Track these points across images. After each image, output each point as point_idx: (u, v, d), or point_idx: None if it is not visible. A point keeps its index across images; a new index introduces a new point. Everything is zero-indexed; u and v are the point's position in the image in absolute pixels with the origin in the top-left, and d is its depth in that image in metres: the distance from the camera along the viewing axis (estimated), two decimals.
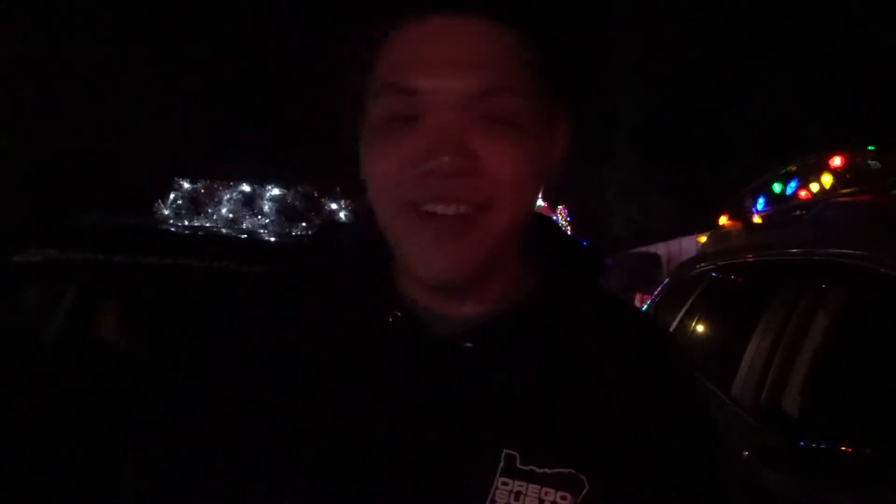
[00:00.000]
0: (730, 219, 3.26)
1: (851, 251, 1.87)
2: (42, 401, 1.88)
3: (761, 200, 2.91)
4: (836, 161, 2.20)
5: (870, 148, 2.19)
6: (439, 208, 0.60)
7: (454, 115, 0.59)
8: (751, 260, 2.70)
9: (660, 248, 23.47)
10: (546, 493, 0.61)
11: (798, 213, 2.55)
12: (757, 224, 2.89)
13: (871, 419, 1.58)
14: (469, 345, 0.66)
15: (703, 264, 3.24)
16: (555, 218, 19.03)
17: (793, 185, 2.54)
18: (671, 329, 3.23)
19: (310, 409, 0.65)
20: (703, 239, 3.52)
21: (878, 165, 2.14)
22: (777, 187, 2.70)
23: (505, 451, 0.62)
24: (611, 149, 26.79)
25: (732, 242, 3.02)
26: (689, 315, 3.12)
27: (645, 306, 3.94)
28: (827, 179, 2.32)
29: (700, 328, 2.99)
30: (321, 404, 0.65)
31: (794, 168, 2.57)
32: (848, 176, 2.25)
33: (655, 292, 3.87)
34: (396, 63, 0.61)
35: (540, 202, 19.13)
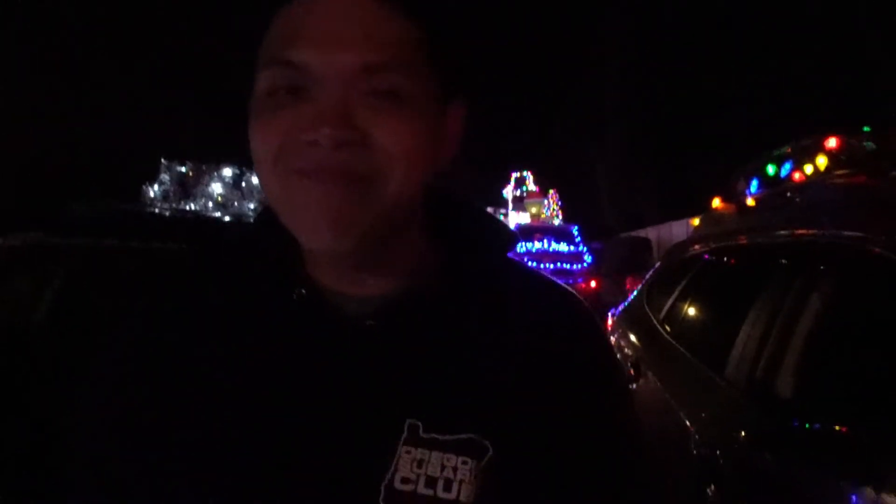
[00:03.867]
0: (723, 201, 3.26)
1: (845, 232, 1.87)
2: (28, 384, 1.86)
3: (755, 183, 2.90)
4: (832, 143, 2.19)
5: (865, 129, 2.18)
6: (325, 179, 0.61)
7: (339, 89, 0.60)
8: (744, 242, 2.70)
9: (650, 233, 23.57)
10: (448, 459, 0.63)
11: (792, 195, 2.54)
12: (750, 206, 2.89)
13: (864, 399, 1.58)
14: (371, 322, 0.68)
15: (695, 247, 3.24)
16: (545, 202, 19.05)
17: (787, 167, 2.53)
18: (663, 312, 3.23)
19: (214, 386, 0.66)
20: (696, 222, 3.52)
21: (874, 147, 2.13)
22: (771, 169, 2.69)
23: (408, 421, 0.64)
24: (603, 134, 26.76)
25: (725, 225, 3.01)
26: (682, 298, 3.11)
27: (636, 290, 3.94)
28: (822, 161, 2.31)
29: (693, 311, 2.99)
30: (226, 381, 0.67)
31: (788, 150, 2.55)
32: (843, 158, 2.24)
33: (647, 275, 3.87)
34: (282, 36, 0.62)
35: (532, 186, 19.21)
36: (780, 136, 2.84)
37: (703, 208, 3.53)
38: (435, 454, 0.63)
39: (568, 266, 13.16)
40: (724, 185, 3.38)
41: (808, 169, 2.46)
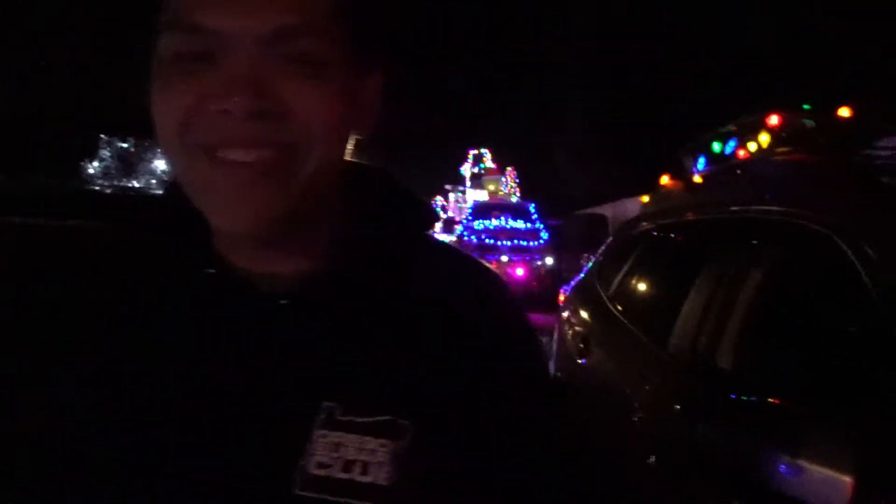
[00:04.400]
0: (671, 178, 3.29)
1: (783, 208, 1.90)
2: None
3: (702, 160, 2.94)
4: (773, 120, 2.22)
5: (805, 107, 2.21)
6: (238, 155, 0.57)
7: (251, 55, 0.56)
8: (690, 219, 2.74)
9: (607, 210, 23.89)
10: (365, 442, 0.61)
11: (736, 171, 2.58)
12: (697, 183, 2.92)
13: (799, 372, 1.62)
14: (284, 301, 0.65)
15: (643, 224, 3.28)
16: (503, 179, 19.08)
17: (731, 144, 2.56)
18: (613, 288, 3.27)
19: (122, 364, 0.63)
20: (646, 199, 3.55)
21: (813, 124, 2.16)
22: (716, 146, 2.72)
23: (324, 403, 0.62)
24: (561, 112, 26.95)
25: (672, 202, 3.05)
26: (630, 274, 3.15)
27: (588, 265, 3.98)
28: (764, 138, 2.34)
29: (640, 287, 3.03)
30: (129, 363, 0.63)
31: (733, 128, 2.58)
32: (784, 135, 2.27)
33: (598, 252, 3.90)
34: None
35: (489, 163, 19.18)
36: (733, 113, 2.86)
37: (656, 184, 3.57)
38: (351, 437, 0.61)
39: (525, 243, 13.27)
40: (672, 163, 3.42)
41: (752, 146, 2.50)
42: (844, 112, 2.07)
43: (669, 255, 2.92)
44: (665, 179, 3.32)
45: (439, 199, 22.19)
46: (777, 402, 1.46)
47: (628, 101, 21.05)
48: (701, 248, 2.51)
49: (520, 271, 12.73)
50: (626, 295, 3.10)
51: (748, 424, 1.52)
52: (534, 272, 12.79)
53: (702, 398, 1.81)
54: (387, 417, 0.62)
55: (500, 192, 18.19)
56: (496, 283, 0.77)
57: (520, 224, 13.82)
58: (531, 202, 15.08)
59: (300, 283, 0.66)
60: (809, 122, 2.18)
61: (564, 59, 24.01)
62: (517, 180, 19.30)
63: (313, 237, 0.67)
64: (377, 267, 0.69)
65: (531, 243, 13.31)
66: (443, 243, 0.80)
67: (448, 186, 21.36)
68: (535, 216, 14.17)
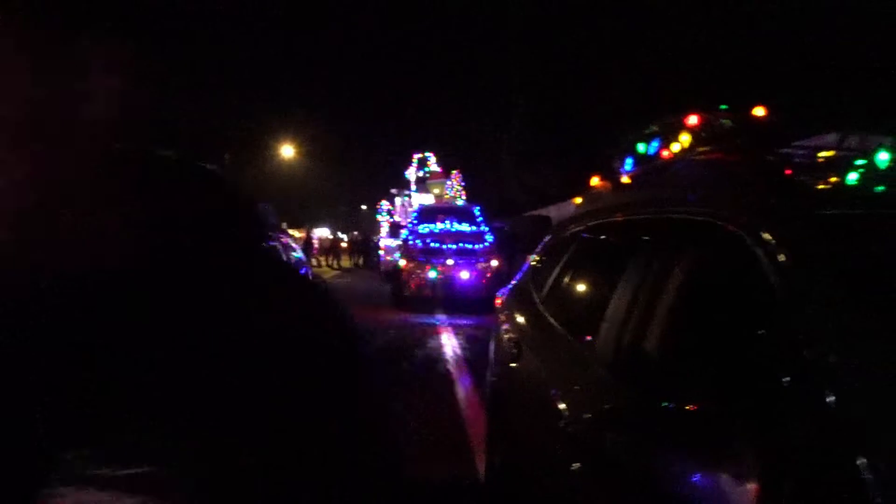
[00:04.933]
0: (601, 179, 3.29)
1: (700, 209, 1.89)
2: None
3: (629, 160, 2.94)
4: (692, 120, 2.22)
5: (722, 107, 2.22)
6: None
7: None
8: (617, 220, 2.73)
9: (551, 211, 24.11)
10: None
11: (659, 172, 2.58)
12: (624, 184, 2.92)
13: (718, 377, 1.60)
14: None
15: (574, 226, 3.26)
16: (449, 182, 19.00)
17: (655, 144, 2.56)
18: (545, 291, 3.24)
19: None
20: (578, 201, 3.54)
21: (731, 124, 2.17)
22: (641, 147, 2.72)
23: None
24: (506, 114, 27.11)
25: (602, 203, 3.04)
26: (561, 276, 3.13)
27: (522, 269, 3.96)
28: (685, 138, 2.34)
29: (571, 289, 3.01)
30: None
31: (656, 128, 2.59)
32: (704, 135, 2.28)
33: (533, 253, 3.88)
34: None
35: (434, 167, 19.04)
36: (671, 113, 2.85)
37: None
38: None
39: (470, 246, 13.26)
40: (603, 163, 3.42)
41: (675, 146, 2.50)
42: (759, 112, 2.08)
43: (598, 257, 2.90)
44: (595, 180, 3.31)
45: (385, 204, 22.01)
46: (694, 408, 1.43)
47: (570, 102, 21.31)
48: (627, 249, 2.50)
49: (466, 274, 12.72)
50: (557, 297, 3.07)
51: (664, 432, 1.49)
52: (480, 274, 12.80)
53: (621, 404, 1.78)
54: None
55: (446, 196, 18.15)
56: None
57: (465, 227, 13.81)
58: (477, 205, 15.10)
59: None
60: (727, 122, 2.19)
61: (505, 61, 24.16)
62: (463, 183, 19.29)
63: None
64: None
65: (477, 246, 13.31)
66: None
67: (394, 190, 21.20)
68: (480, 219, 14.19)
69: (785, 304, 1.30)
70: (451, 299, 12.58)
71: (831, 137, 2.13)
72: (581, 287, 2.95)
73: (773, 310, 1.34)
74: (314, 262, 26.41)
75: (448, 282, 12.71)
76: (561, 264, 3.17)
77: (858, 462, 1.01)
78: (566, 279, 3.07)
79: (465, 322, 11.10)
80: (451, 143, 27.01)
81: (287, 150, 31.81)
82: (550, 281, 3.22)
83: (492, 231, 14.00)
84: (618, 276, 2.36)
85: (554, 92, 21.94)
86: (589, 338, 2.38)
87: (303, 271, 4.85)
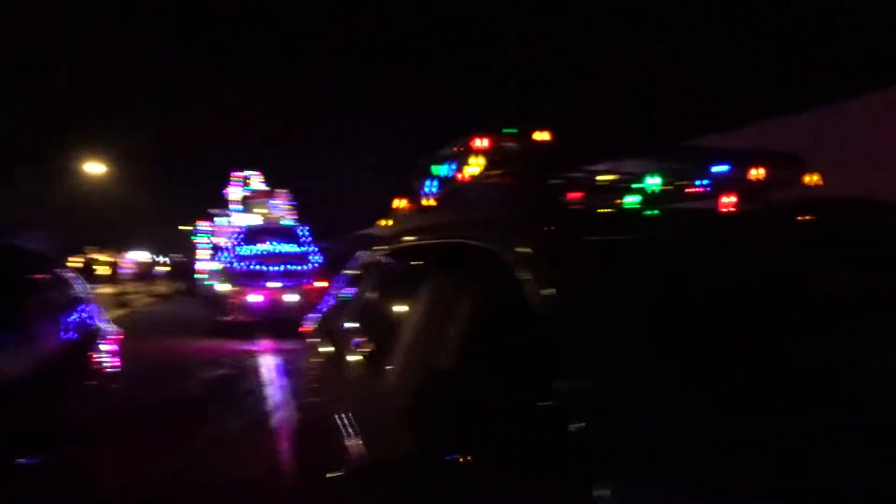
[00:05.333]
0: (408, 201, 3.21)
1: (481, 235, 1.84)
2: None
3: (430, 182, 2.87)
4: (481, 143, 2.18)
5: (509, 131, 2.21)
6: None
7: None
8: (415, 243, 2.64)
9: (377, 230, 23.95)
10: None
11: (452, 196, 2.54)
12: (424, 206, 2.85)
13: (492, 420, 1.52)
14: None
15: (377, 249, 3.14)
16: (272, 203, 18.32)
17: (451, 167, 2.51)
18: (349, 318, 3.09)
19: None
20: (383, 223, 3.44)
21: (518, 148, 2.16)
22: (437, 169, 2.66)
23: None
24: (338, 133, 26.91)
25: (403, 226, 2.95)
26: (364, 302, 2.99)
27: (330, 294, 3.78)
28: (478, 161, 2.30)
29: (372, 316, 2.88)
30: None
31: (451, 150, 2.53)
32: (495, 158, 2.25)
33: (340, 275, 3.72)
34: None
35: (259, 185, 18.23)
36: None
37: None
38: None
39: (296, 267, 12.83)
40: (406, 185, 3.35)
41: (469, 169, 2.47)
42: (542, 136, 2.08)
43: (397, 283, 2.80)
44: (399, 202, 3.23)
45: (205, 224, 20.73)
46: (467, 460, 1.33)
47: (398, 122, 21.58)
48: (422, 275, 2.41)
49: (291, 297, 12.26)
50: (360, 325, 2.93)
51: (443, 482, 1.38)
52: (306, 297, 12.38)
53: (407, 450, 1.65)
54: None
55: (271, 216, 17.47)
56: None
57: (291, 248, 13.34)
58: (304, 225, 14.66)
59: None
60: (513, 146, 2.18)
61: (336, 78, 24.01)
62: (292, 203, 18.68)
63: None
64: None
65: (303, 267, 12.90)
66: None
67: (215, 211, 20.02)
68: (307, 239, 13.78)
69: (544, 332, 1.25)
70: (276, 324, 12.03)
71: (608, 163, 2.19)
72: (380, 314, 2.82)
73: (536, 338, 1.29)
74: (131, 288, 24.24)
75: (273, 306, 12.16)
76: (364, 290, 3.04)
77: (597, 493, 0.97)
78: (368, 306, 2.94)
79: (291, 347, 10.65)
80: (281, 160, 26.28)
81: (97, 167, 29.06)
82: (354, 307, 3.07)
83: (319, 251, 13.65)
84: (411, 304, 2.26)
85: (382, 109, 22.11)
86: (387, 369, 2.26)
87: (81, 312, 4.29)
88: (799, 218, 1.99)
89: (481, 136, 2.20)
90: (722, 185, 2.30)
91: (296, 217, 17.87)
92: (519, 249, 1.50)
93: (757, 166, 2.29)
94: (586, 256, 1.41)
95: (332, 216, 26.20)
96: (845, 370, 1.50)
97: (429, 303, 2.10)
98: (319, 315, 3.83)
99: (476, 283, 1.84)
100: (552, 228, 1.55)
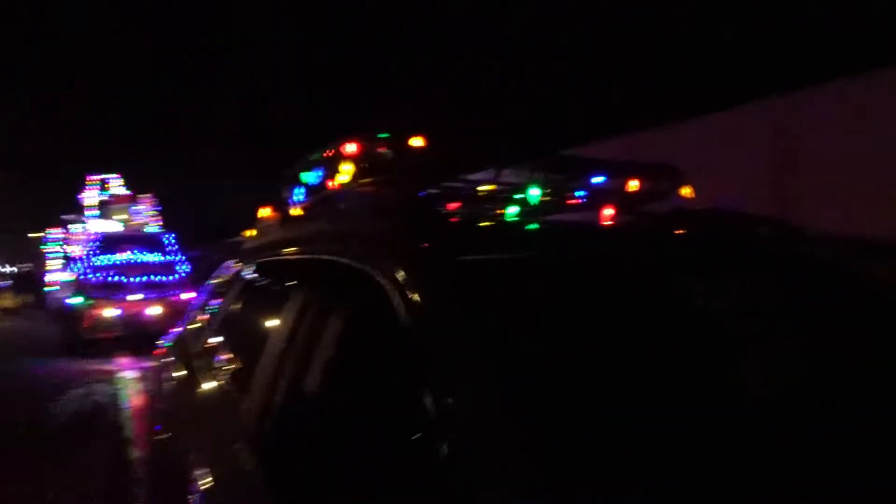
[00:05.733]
0: (272, 210, 2.95)
1: (351, 252, 1.65)
2: None
3: (298, 190, 2.64)
4: (351, 148, 1.99)
5: (381, 136, 2.03)
6: None
7: None
8: (282, 258, 2.40)
9: None
10: None
11: (321, 206, 2.34)
12: (292, 217, 2.62)
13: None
14: None
15: (241, 262, 2.86)
16: (134, 208, 17.12)
17: (319, 174, 2.30)
18: (207, 341, 2.78)
19: None
20: (248, 234, 3.16)
21: (392, 154, 1.99)
22: (307, 176, 2.44)
23: None
24: (209, 132, 25.49)
25: (269, 237, 2.70)
26: (225, 322, 2.71)
27: (189, 311, 3.43)
28: (348, 168, 2.11)
29: (232, 341, 2.59)
30: None
31: (320, 156, 2.32)
32: (366, 165, 2.07)
33: (200, 292, 3.38)
34: None
35: (119, 190, 16.97)
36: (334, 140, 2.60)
37: None
38: None
39: (160, 278, 11.97)
40: (274, 192, 3.09)
41: (339, 176, 2.27)
42: (417, 142, 1.93)
43: (262, 300, 2.54)
44: (264, 211, 2.96)
45: (56, 232, 18.97)
46: None
47: (272, 125, 20.88)
48: (288, 292, 2.18)
49: (154, 310, 11.40)
50: (220, 350, 2.64)
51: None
52: (172, 309, 11.57)
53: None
54: None
55: (133, 222, 16.27)
56: None
57: (155, 257, 12.44)
58: (170, 232, 13.73)
59: None
60: (386, 153, 2.01)
61: (200, 80, 22.86)
62: (157, 208, 17.49)
63: None
64: None
65: (169, 278, 12.05)
66: None
67: (69, 217, 18.32)
68: (173, 247, 12.91)
69: (415, 358, 1.10)
70: (139, 340, 11.13)
71: (487, 171, 2.07)
72: (243, 335, 2.55)
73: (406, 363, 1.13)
74: None
75: (134, 320, 11.24)
76: (225, 308, 2.75)
77: None
78: (230, 325, 2.65)
79: (153, 366, 9.86)
80: (146, 162, 24.65)
81: None
82: (214, 328, 2.77)
83: (188, 260, 12.83)
84: (277, 325, 2.03)
85: (254, 112, 21.29)
86: (247, 401, 2.01)
87: None
88: (676, 231, 1.96)
89: (351, 141, 2.01)
90: (600, 196, 2.25)
91: (161, 223, 16.77)
92: (391, 269, 1.33)
93: (634, 177, 2.26)
94: (462, 277, 1.26)
95: (203, 222, 24.85)
96: (723, 377, 1.47)
97: (295, 324, 1.88)
98: (176, 334, 3.48)
99: (345, 304, 1.64)
100: (426, 245, 1.39)
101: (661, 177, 2.25)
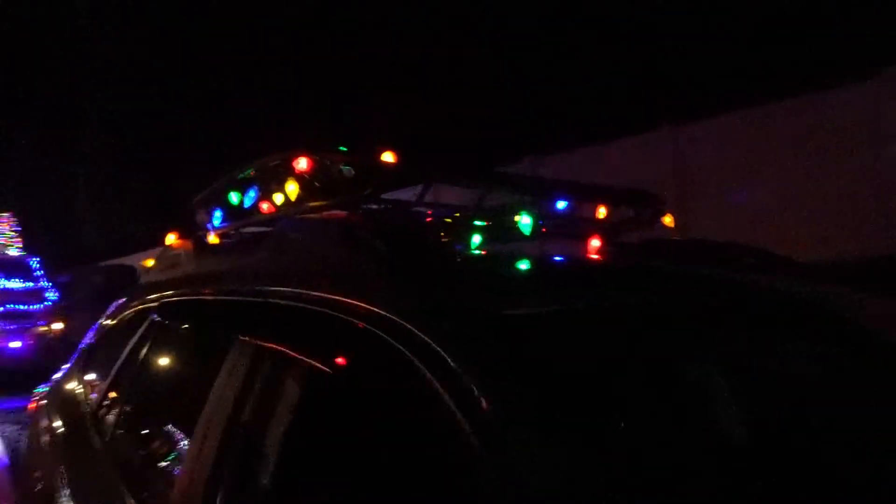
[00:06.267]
0: (179, 237, 2.48)
1: (320, 295, 1.28)
2: None
3: (218, 213, 2.21)
4: (301, 164, 1.61)
5: (341, 149, 1.67)
6: None
7: None
8: (202, 297, 1.96)
9: (135, 261, 21.63)
10: None
11: (257, 233, 1.93)
12: (212, 245, 2.18)
13: None
14: None
15: (141, 299, 2.36)
16: None
17: (252, 194, 1.89)
18: (100, 397, 2.26)
19: None
20: (150, 263, 2.65)
21: (353, 172, 1.63)
22: (234, 197, 2.02)
23: None
24: (78, 146, 23.30)
25: (181, 270, 2.23)
26: (124, 375, 2.20)
27: (72, 359, 2.85)
28: (292, 188, 1.73)
29: (136, 402, 2.09)
30: None
31: (252, 172, 1.92)
32: (317, 184, 1.69)
33: (86, 338, 2.82)
34: None
35: None
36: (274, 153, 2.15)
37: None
38: None
39: (24, 307, 10.68)
40: (185, 214, 2.62)
41: (278, 197, 1.87)
42: (388, 157, 1.58)
43: (175, 352, 2.07)
44: (172, 238, 2.49)
45: None
46: None
47: (156, 141, 19.56)
48: (216, 344, 1.76)
49: (17, 343, 10.12)
50: (117, 412, 2.12)
51: None
52: (38, 342, 10.33)
53: None
54: None
55: None
56: None
57: (16, 283, 11.08)
58: (34, 256, 12.32)
59: None
60: (347, 170, 1.64)
61: (80, 89, 21.10)
62: (16, 229, 15.72)
63: None
64: None
65: (33, 306, 10.77)
66: None
67: None
68: (38, 272, 11.57)
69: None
70: None
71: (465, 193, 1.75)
72: (150, 397, 2.07)
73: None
74: None
75: None
76: (123, 357, 2.24)
77: None
78: (130, 381, 2.15)
79: (15, 406, 8.72)
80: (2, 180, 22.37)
81: None
82: (108, 381, 2.26)
83: (55, 287, 11.54)
84: (202, 383, 1.60)
85: (135, 119, 19.83)
86: (157, 480, 1.57)
87: None
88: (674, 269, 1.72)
89: (301, 154, 1.62)
90: (575, 224, 1.99)
91: (21, 245, 15.10)
92: (401, 324, 0.98)
93: (614, 203, 2.02)
94: (516, 340, 0.93)
95: (69, 243, 22.73)
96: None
97: (234, 385, 1.47)
98: (54, 384, 2.89)
99: (314, 363, 1.26)
100: (441, 293, 1.05)
101: (646, 204, 2.03)
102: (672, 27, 9.12)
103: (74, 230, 23.80)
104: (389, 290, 1.11)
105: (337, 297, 1.25)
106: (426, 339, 0.94)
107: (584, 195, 1.95)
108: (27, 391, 9.68)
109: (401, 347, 0.94)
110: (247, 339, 1.54)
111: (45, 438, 2.54)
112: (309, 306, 1.27)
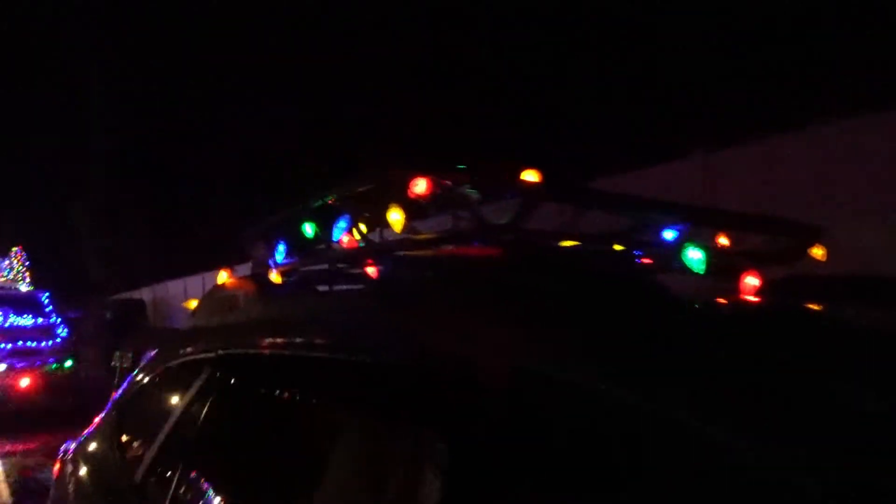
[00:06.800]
0: (230, 274, 2.16)
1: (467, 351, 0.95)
2: None
3: (281, 247, 1.89)
4: (420, 187, 1.29)
5: (461, 167, 1.35)
6: None
7: None
8: (270, 350, 1.62)
9: (145, 294, 21.39)
10: None
11: (346, 271, 1.61)
12: (278, 285, 1.85)
13: None
14: None
15: (192, 348, 2.02)
16: (6, 262, 15.15)
17: (343, 224, 1.56)
18: (147, 461, 1.92)
19: None
20: (192, 305, 2.32)
21: (477, 195, 1.31)
22: (310, 229, 1.70)
23: None
24: (86, 180, 23.14)
25: (243, 315, 1.90)
26: (187, 436, 1.86)
27: (104, 413, 2.51)
28: (396, 217, 1.40)
29: (212, 464, 1.75)
30: None
31: (337, 196, 1.59)
32: (431, 212, 1.37)
33: (121, 391, 2.47)
34: None
35: None
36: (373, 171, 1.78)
37: (205, 264, 2.36)
38: None
39: (34, 344, 10.36)
40: (237, 249, 2.31)
41: (361, 227, 1.56)
42: (531, 176, 1.26)
43: (240, 415, 1.73)
44: (225, 276, 2.16)
45: None
46: None
47: (162, 168, 19.40)
48: (298, 407, 1.42)
49: (26, 381, 9.78)
50: (173, 479, 1.78)
51: None
52: (48, 381, 9.99)
53: None
54: None
55: (1, 278, 14.33)
56: None
57: (26, 320, 10.77)
58: (44, 291, 12.04)
59: None
60: (472, 192, 1.32)
61: (83, 122, 21.00)
62: (26, 263, 15.50)
63: None
64: None
65: (44, 343, 10.45)
66: None
67: None
68: (48, 308, 11.27)
69: None
70: (7, 416, 9.45)
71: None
72: (224, 476, 1.72)
73: None
74: None
75: (2, 393, 9.58)
76: (175, 418, 1.90)
77: None
78: (186, 448, 1.81)
79: (26, 447, 8.35)
80: (11, 214, 22.21)
81: None
82: (157, 447, 1.91)
83: (65, 323, 11.23)
84: (279, 459, 1.27)
85: (143, 154, 19.69)
86: None
87: None
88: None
89: (419, 174, 1.30)
90: (725, 257, 1.66)
91: (29, 280, 14.85)
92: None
93: (760, 231, 1.70)
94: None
95: (77, 277, 22.46)
96: None
97: (339, 472, 1.13)
98: (84, 439, 2.54)
99: (468, 453, 0.93)
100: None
101: (798, 234, 1.70)
102: (706, 52, 8.92)
103: (82, 264, 23.58)
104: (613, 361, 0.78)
105: (497, 361, 0.92)
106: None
107: (735, 224, 1.63)
108: (41, 429, 9.26)
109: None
110: (346, 408, 1.21)
111: (65, 496, 2.21)
112: (447, 370, 0.94)
